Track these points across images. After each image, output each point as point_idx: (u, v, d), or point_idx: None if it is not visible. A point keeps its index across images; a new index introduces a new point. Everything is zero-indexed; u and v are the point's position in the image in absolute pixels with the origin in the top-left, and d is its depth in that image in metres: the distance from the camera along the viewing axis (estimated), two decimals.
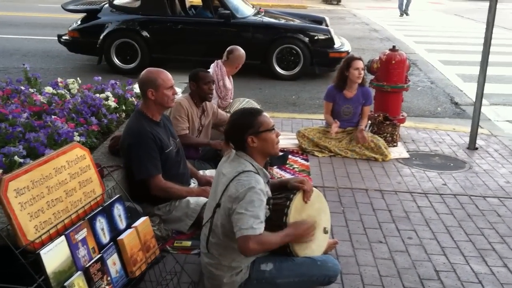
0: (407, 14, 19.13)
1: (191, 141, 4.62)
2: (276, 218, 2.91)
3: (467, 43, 13.40)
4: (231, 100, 5.81)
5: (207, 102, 4.85)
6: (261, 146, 2.91)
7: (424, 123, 7.04)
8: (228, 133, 2.98)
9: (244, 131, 2.89)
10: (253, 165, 2.90)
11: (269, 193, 2.97)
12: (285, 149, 5.58)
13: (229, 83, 5.76)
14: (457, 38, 14.56)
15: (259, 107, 5.37)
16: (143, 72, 3.77)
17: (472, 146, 5.96)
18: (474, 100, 6.06)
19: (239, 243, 2.69)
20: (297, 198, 3.01)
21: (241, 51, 5.75)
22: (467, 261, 3.65)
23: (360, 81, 5.55)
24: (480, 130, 6.18)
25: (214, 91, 5.10)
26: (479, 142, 6.07)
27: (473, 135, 5.97)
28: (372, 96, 5.78)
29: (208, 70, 5.17)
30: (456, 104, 8.22)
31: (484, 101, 6.25)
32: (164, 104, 3.72)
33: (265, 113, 3.02)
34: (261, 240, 2.69)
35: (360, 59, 5.57)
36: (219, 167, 3.03)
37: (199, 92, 4.65)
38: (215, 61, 5.78)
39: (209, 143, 4.73)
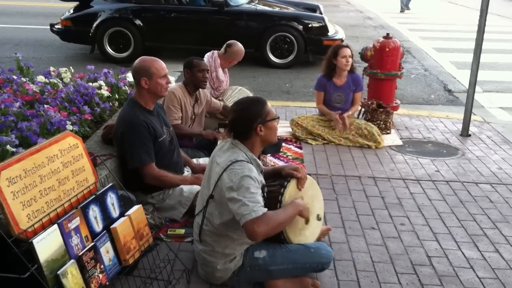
0: (408, 8, 17.64)
1: (184, 131, 4.61)
2: (270, 206, 2.91)
3: (461, 30, 13.40)
4: (226, 88, 5.80)
5: (201, 91, 4.84)
6: (266, 135, 2.95)
7: (417, 110, 7.06)
8: (236, 122, 2.94)
9: (253, 120, 2.90)
10: (246, 155, 2.91)
11: (263, 181, 2.98)
12: (279, 137, 5.58)
13: (222, 75, 5.72)
14: (451, 25, 14.57)
15: (252, 95, 5.38)
16: (136, 61, 3.76)
17: (465, 133, 5.98)
18: (467, 87, 6.07)
19: (245, 229, 2.68)
20: (291, 186, 3.03)
21: (239, 47, 5.68)
22: (459, 247, 3.67)
23: (348, 68, 5.54)
24: (473, 117, 6.20)
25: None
26: (472, 129, 6.09)
27: (466, 122, 5.99)
28: (362, 82, 5.77)
29: (203, 59, 5.14)
30: (449, 91, 8.24)
31: (477, 88, 6.26)
32: (158, 93, 3.72)
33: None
34: (266, 219, 2.67)
35: (347, 46, 5.55)
36: (212, 156, 3.04)
37: (194, 80, 4.64)
38: (212, 51, 5.73)
39: (201, 133, 4.74)
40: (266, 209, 2.72)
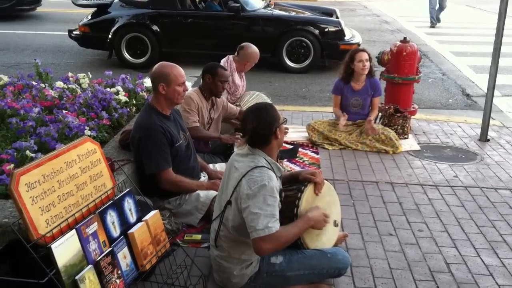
0: (438, 21, 14.86)
1: (202, 134, 4.62)
2: (287, 210, 2.93)
3: (479, 34, 13.27)
4: (243, 93, 5.79)
5: None
6: (281, 138, 2.99)
7: (435, 115, 7.00)
8: (257, 130, 2.91)
9: (275, 124, 2.91)
10: (266, 160, 2.91)
11: (281, 186, 2.98)
12: (295, 142, 5.58)
13: (238, 79, 5.71)
14: (469, 29, 14.43)
15: (269, 101, 5.38)
16: (156, 66, 3.77)
17: (483, 138, 5.91)
18: (485, 91, 6.01)
19: (254, 244, 2.70)
20: (308, 190, 3.02)
21: (252, 49, 5.64)
22: (478, 254, 3.63)
23: (365, 72, 5.52)
24: (491, 122, 6.13)
25: None
26: (490, 133, 6.02)
27: (485, 127, 5.92)
28: (380, 87, 5.74)
29: (226, 68, 5.07)
30: (467, 95, 8.15)
31: (496, 92, 6.19)
32: (174, 100, 3.73)
33: None
34: (276, 237, 2.69)
35: (364, 50, 5.53)
36: (231, 161, 3.04)
37: (212, 87, 4.63)
38: (227, 56, 5.73)
39: (220, 137, 4.73)
40: (278, 226, 2.72)
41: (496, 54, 5.76)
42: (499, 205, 4.39)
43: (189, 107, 4.54)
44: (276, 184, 2.82)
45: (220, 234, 2.97)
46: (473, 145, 5.77)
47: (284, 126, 3.15)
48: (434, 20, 14.76)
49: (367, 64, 5.48)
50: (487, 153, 5.55)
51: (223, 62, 5.64)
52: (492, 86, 5.85)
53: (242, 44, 5.70)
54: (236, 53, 5.68)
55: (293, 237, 2.82)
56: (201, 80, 4.74)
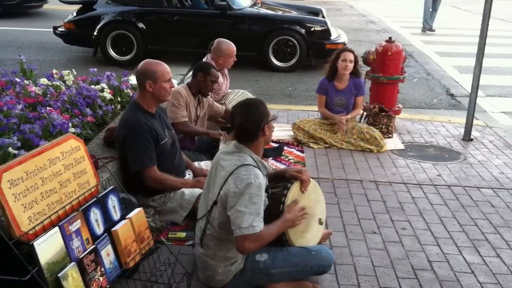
0: (431, 30, 14.07)
1: (191, 129, 4.61)
2: (273, 207, 2.94)
3: (464, 34, 13.39)
4: (228, 91, 5.77)
5: None
6: (269, 135, 2.99)
7: (419, 114, 7.06)
8: (244, 125, 2.91)
9: (263, 121, 2.91)
10: (252, 158, 2.91)
11: (267, 183, 2.98)
12: (281, 141, 5.59)
13: (220, 77, 5.64)
14: (454, 29, 14.55)
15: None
16: (141, 63, 3.75)
17: (467, 137, 5.97)
18: (469, 91, 6.07)
19: (236, 242, 2.72)
20: (294, 187, 3.03)
21: (222, 43, 5.44)
22: (460, 252, 3.67)
23: (346, 73, 5.56)
24: (475, 122, 6.19)
25: None
26: (474, 133, 6.08)
27: (468, 127, 5.98)
28: (363, 86, 5.78)
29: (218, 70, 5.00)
30: (451, 95, 8.23)
31: (479, 93, 6.25)
32: (161, 97, 3.72)
33: None
34: (259, 237, 2.72)
35: (351, 51, 5.57)
36: (216, 159, 3.04)
37: (202, 85, 4.61)
38: (206, 55, 5.67)
39: (208, 132, 4.72)
40: (262, 225, 2.75)
41: (480, 55, 5.82)
42: (482, 203, 4.44)
43: (177, 102, 4.53)
44: (262, 181, 2.82)
45: (207, 233, 2.97)
46: (457, 145, 5.83)
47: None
48: (427, 24, 14.09)
49: (350, 65, 5.52)
50: (470, 152, 5.61)
51: (203, 60, 5.57)
52: (476, 86, 5.90)
53: (214, 40, 5.58)
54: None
55: (273, 237, 2.86)
56: (192, 77, 4.72)
